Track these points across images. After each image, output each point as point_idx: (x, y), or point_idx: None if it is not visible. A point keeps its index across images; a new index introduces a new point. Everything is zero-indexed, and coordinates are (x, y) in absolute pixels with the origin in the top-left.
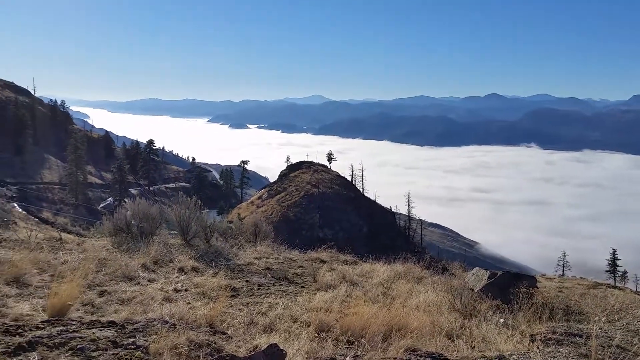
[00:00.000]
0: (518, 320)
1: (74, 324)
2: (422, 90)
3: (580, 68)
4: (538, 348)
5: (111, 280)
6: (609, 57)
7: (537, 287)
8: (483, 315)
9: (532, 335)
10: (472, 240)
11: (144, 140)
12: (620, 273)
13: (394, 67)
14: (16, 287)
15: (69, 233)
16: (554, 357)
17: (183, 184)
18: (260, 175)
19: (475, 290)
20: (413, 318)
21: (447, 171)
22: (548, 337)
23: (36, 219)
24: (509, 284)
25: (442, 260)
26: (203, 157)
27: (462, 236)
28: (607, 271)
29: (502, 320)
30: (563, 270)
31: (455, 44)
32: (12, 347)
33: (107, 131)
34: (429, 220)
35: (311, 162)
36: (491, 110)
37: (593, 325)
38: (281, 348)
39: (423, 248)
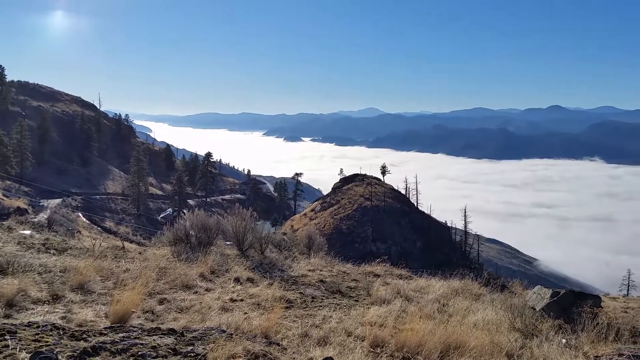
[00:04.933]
0: (581, 341)
1: (135, 331)
2: (479, 102)
3: None
4: None
5: (171, 289)
6: None
7: (602, 307)
8: (545, 335)
9: (596, 357)
10: (532, 257)
11: (202, 153)
12: None
13: (450, 79)
14: (81, 294)
15: (130, 242)
16: None
17: (238, 195)
18: (314, 188)
19: (537, 309)
20: (471, 336)
21: (506, 185)
22: (614, 359)
23: (99, 228)
24: (572, 303)
25: (501, 278)
26: (258, 169)
27: (521, 253)
28: None
29: (564, 340)
30: (628, 290)
31: (514, 54)
32: (78, 352)
33: (167, 144)
34: (487, 236)
35: (365, 175)
36: (553, 123)
37: None
38: None
39: (480, 264)
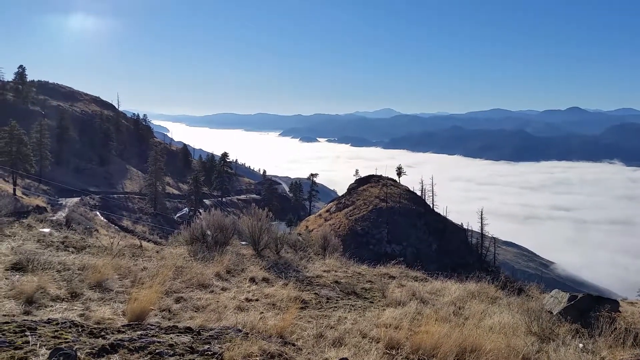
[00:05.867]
0: (599, 346)
1: (152, 329)
2: (497, 103)
3: None
4: None
5: (187, 288)
6: None
7: (620, 312)
8: (561, 339)
9: None
10: (549, 261)
11: (218, 153)
12: None
13: (467, 79)
14: (99, 292)
15: (147, 241)
16: None
17: (254, 195)
18: (329, 189)
19: (554, 313)
20: (487, 340)
21: (524, 187)
22: None
23: (116, 227)
24: (589, 308)
25: (518, 281)
26: (273, 169)
27: (538, 256)
28: None
29: (581, 345)
30: None
31: (533, 55)
32: (96, 349)
33: (185, 144)
34: (503, 239)
35: (380, 176)
36: (572, 125)
37: None
38: None
39: (497, 267)
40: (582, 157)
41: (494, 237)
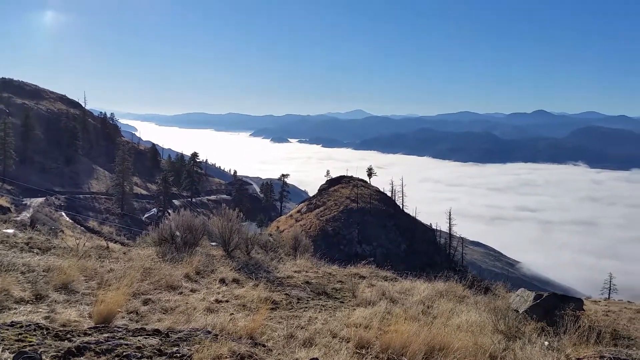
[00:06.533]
0: (563, 344)
1: (120, 331)
2: (465, 105)
3: (633, 85)
4: None
5: (155, 289)
6: None
7: (584, 310)
8: (527, 337)
9: (578, 359)
10: (515, 260)
11: (188, 152)
12: None
13: (437, 82)
14: (64, 294)
15: (114, 242)
16: None
17: (224, 196)
18: (300, 189)
19: (520, 312)
20: (455, 338)
21: (491, 189)
22: None
23: (82, 228)
24: (554, 306)
25: (485, 280)
26: (244, 170)
27: (504, 255)
28: None
29: (546, 342)
30: (609, 294)
31: (501, 59)
32: (62, 352)
33: (153, 144)
34: (471, 239)
35: (351, 177)
36: (538, 127)
37: None
38: None
39: (464, 267)
40: (547, 159)
41: (461, 237)
